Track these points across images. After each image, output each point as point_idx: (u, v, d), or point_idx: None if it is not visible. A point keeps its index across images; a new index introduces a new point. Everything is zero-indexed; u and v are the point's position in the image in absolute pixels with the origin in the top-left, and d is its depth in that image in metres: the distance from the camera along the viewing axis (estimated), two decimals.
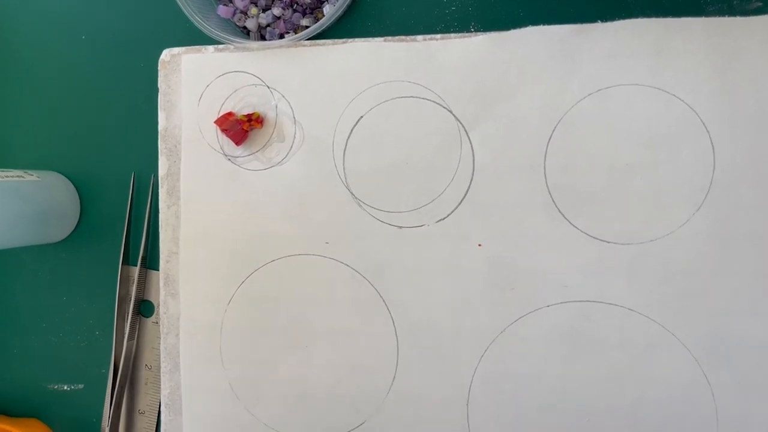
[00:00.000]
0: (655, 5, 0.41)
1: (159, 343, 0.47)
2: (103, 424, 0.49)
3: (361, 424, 0.44)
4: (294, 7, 0.45)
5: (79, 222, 0.50)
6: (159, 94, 0.46)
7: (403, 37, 0.43)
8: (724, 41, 0.39)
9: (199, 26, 0.44)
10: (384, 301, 0.43)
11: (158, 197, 0.47)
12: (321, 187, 0.44)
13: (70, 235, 0.50)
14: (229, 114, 0.45)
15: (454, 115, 0.42)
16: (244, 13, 0.46)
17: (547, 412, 0.41)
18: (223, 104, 0.45)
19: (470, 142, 0.42)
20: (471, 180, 0.42)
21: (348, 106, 0.44)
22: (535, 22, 0.41)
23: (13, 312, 0.51)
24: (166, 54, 0.46)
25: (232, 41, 0.44)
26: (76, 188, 0.50)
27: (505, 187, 0.42)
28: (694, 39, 0.39)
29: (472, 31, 0.43)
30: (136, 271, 0.49)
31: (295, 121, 0.44)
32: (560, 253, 0.41)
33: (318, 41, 0.44)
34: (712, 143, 0.39)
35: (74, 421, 0.50)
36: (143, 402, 0.49)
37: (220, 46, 0.45)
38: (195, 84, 0.46)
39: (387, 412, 0.43)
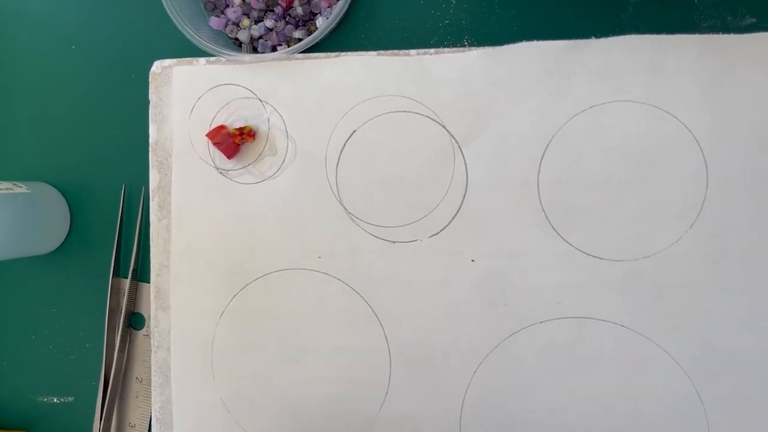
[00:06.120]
0: (649, 22, 0.41)
1: (150, 356, 0.47)
2: None
3: None
4: (287, 19, 0.45)
5: (69, 234, 0.50)
6: (150, 106, 0.46)
7: (396, 50, 0.43)
8: (717, 58, 0.39)
9: (190, 38, 0.43)
10: (376, 316, 0.43)
11: (149, 210, 0.46)
12: (313, 201, 0.44)
13: (60, 247, 0.50)
14: (221, 127, 0.44)
15: (447, 130, 0.42)
16: (236, 24, 0.45)
17: (540, 428, 0.41)
18: (214, 117, 0.45)
19: (463, 158, 0.42)
20: (464, 195, 0.42)
21: (341, 120, 0.43)
22: (529, 37, 0.41)
23: (2, 324, 0.51)
24: (157, 66, 0.46)
25: (224, 53, 0.43)
26: (66, 200, 0.49)
27: (498, 202, 0.42)
28: (687, 56, 0.39)
29: (465, 45, 0.43)
30: (126, 283, 0.48)
31: (287, 134, 0.44)
32: (554, 269, 0.41)
33: (311, 54, 0.44)
34: (705, 161, 0.39)
35: None
36: (133, 415, 0.49)
37: (212, 59, 0.45)
38: (186, 96, 0.45)
39: (379, 428, 0.43)
